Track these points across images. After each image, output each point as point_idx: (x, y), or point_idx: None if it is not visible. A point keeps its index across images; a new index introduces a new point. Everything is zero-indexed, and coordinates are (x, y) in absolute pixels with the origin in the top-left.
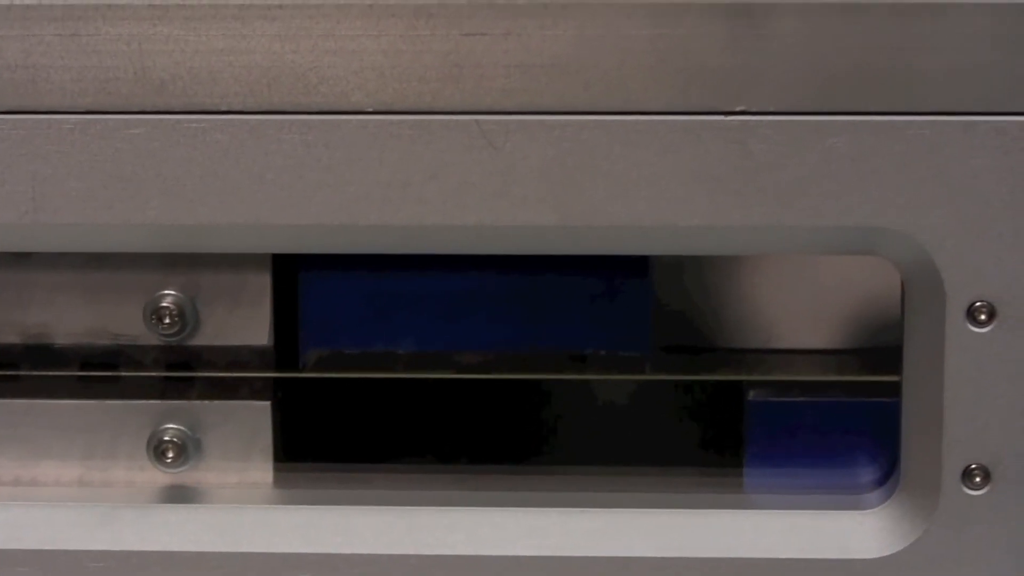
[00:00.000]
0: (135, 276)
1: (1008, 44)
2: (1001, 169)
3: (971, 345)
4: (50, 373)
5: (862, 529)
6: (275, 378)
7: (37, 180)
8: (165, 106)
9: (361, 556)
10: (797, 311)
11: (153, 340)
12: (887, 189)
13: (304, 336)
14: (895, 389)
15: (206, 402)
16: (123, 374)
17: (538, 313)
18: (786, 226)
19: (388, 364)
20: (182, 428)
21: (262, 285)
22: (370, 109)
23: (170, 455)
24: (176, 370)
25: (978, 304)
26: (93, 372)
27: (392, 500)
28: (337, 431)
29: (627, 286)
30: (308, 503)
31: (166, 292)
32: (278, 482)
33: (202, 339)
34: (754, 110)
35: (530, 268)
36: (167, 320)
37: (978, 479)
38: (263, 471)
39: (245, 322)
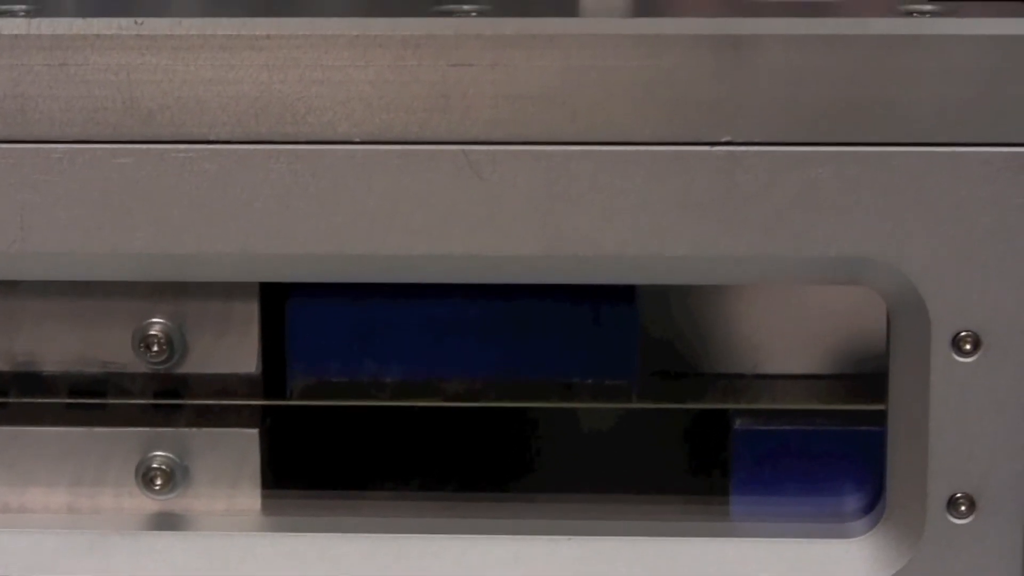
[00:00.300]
0: (123, 304)
1: (993, 75)
2: (986, 199)
3: (956, 375)
4: (38, 400)
5: (848, 557)
6: (263, 406)
7: (25, 209)
8: (153, 136)
9: None
10: (783, 339)
11: (141, 368)
12: (872, 219)
13: (292, 364)
14: (880, 418)
15: (194, 430)
16: (111, 401)
17: (525, 342)
18: (772, 256)
19: (375, 392)
20: (170, 455)
21: (250, 313)
22: (358, 139)
23: (158, 482)
24: (164, 398)
25: (963, 334)
26: (81, 399)
27: (379, 527)
28: (325, 458)
29: (613, 314)
30: (296, 530)
31: (154, 320)
32: (266, 509)
33: (190, 367)
34: (740, 140)
35: (517, 297)
36: (155, 348)
37: (963, 508)
38: (251, 498)
39: (233, 350)
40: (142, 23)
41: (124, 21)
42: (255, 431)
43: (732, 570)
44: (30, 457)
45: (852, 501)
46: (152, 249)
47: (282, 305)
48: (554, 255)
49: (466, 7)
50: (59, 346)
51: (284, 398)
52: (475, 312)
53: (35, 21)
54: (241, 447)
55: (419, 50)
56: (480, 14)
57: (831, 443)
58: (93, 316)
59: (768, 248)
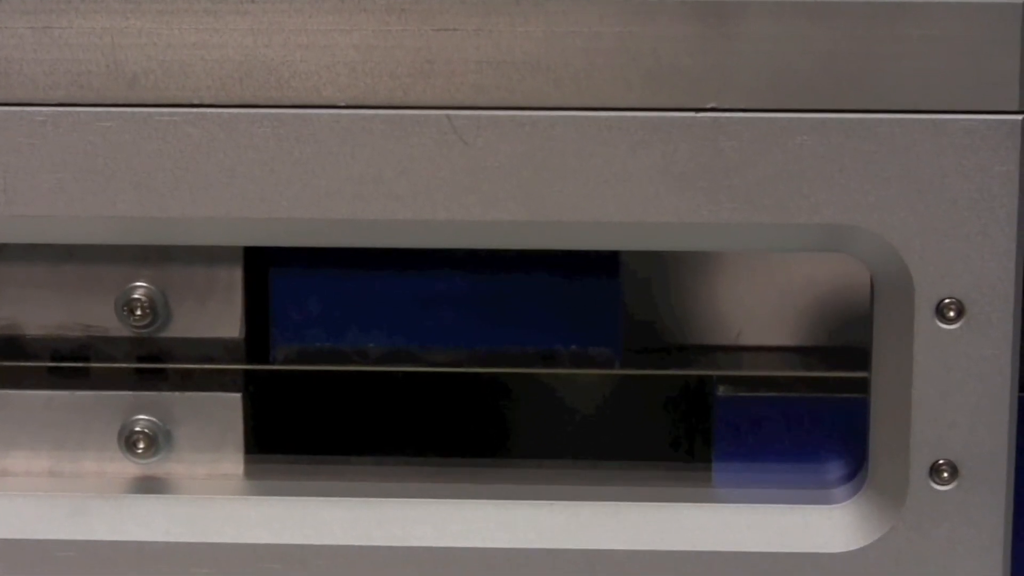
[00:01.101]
0: (107, 268)
1: (977, 43)
2: (970, 167)
3: (940, 342)
4: (21, 364)
5: (830, 523)
6: (246, 370)
7: (8, 172)
8: (137, 99)
9: (331, 548)
10: (768, 308)
11: (124, 332)
12: (857, 187)
13: (275, 330)
14: (863, 385)
15: (177, 394)
16: (94, 365)
17: (508, 310)
18: (756, 223)
19: (358, 358)
20: (153, 419)
21: (233, 278)
22: (342, 104)
23: (141, 446)
24: (147, 362)
25: (947, 301)
26: (64, 363)
27: (362, 492)
28: (308, 424)
29: (597, 283)
30: (278, 495)
31: (138, 284)
32: (249, 474)
33: (173, 331)
34: (724, 107)
35: (501, 265)
36: (138, 312)
37: (946, 475)
38: (234, 463)
39: (216, 315)
40: None
41: None
42: (238, 396)
43: (714, 536)
44: (12, 421)
45: (835, 468)
46: (136, 212)
47: (266, 270)
48: (537, 220)
49: None
50: (42, 310)
51: (267, 363)
52: (459, 280)
53: None
54: (224, 412)
55: (404, 15)
56: None
57: (814, 410)
58: (76, 280)
59: (752, 215)
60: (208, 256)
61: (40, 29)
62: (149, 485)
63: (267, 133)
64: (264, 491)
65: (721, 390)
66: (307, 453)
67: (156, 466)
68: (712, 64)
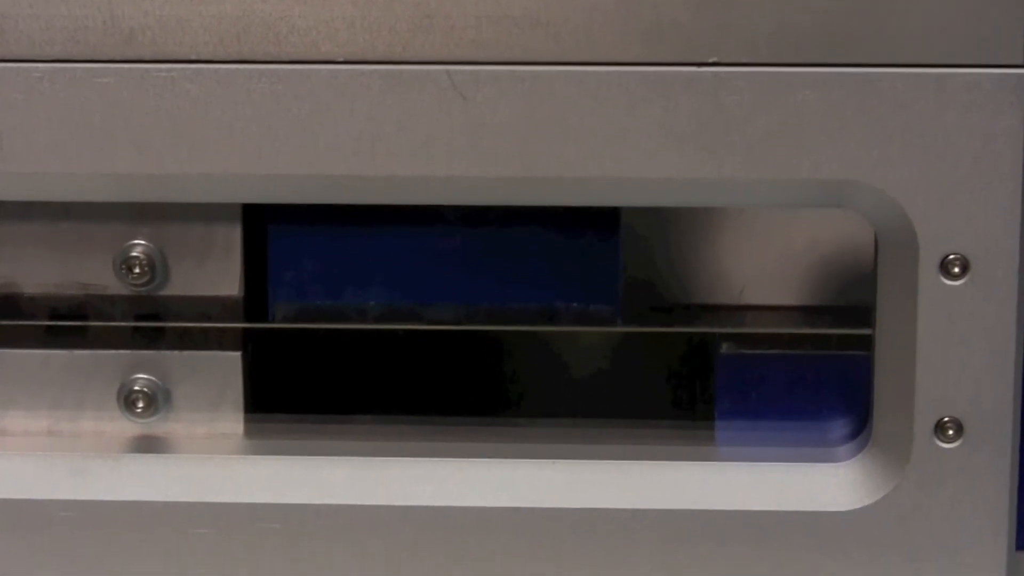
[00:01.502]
0: (105, 226)
1: None
2: (974, 122)
3: (944, 298)
4: (19, 323)
5: (834, 482)
6: (245, 329)
7: (5, 129)
8: (134, 55)
9: (330, 507)
10: (771, 266)
11: (123, 290)
12: (860, 142)
13: (274, 287)
14: (867, 342)
15: (176, 352)
16: (93, 324)
17: (509, 268)
18: (757, 179)
19: (358, 316)
20: (152, 378)
21: (232, 236)
22: (340, 59)
23: (140, 405)
24: (146, 321)
25: (951, 257)
26: (62, 322)
27: (362, 451)
28: (308, 382)
29: (597, 240)
30: (278, 454)
31: (136, 242)
32: (248, 433)
33: (172, 289)
34: (725, 62)
35: (501, 222)
36: (137, 270)
37: (950, 432)
38: (233, 422)
39: (215, 273)
40: None
41: None
42: (237, 354)
43: (717, 495)
44: (11, 380)
45: (838, 426)
46: (133, 169)
47: (265, 227)
48: (537, 177)
49: None
50: (40, 268)
51: (266, 321)
52: (458, 238)
53: None
54: (223, 370)
55: None
56: None
57: (817, 368)
58: (74, 238)
59: (754, 171)
60: (207, 213)
61: None
62: (148, 444)
63: (265, 89)
64: (264, 450)
65: (724, 348)
66: (307, 412)
67: (155, 425)
68: (713, 18)
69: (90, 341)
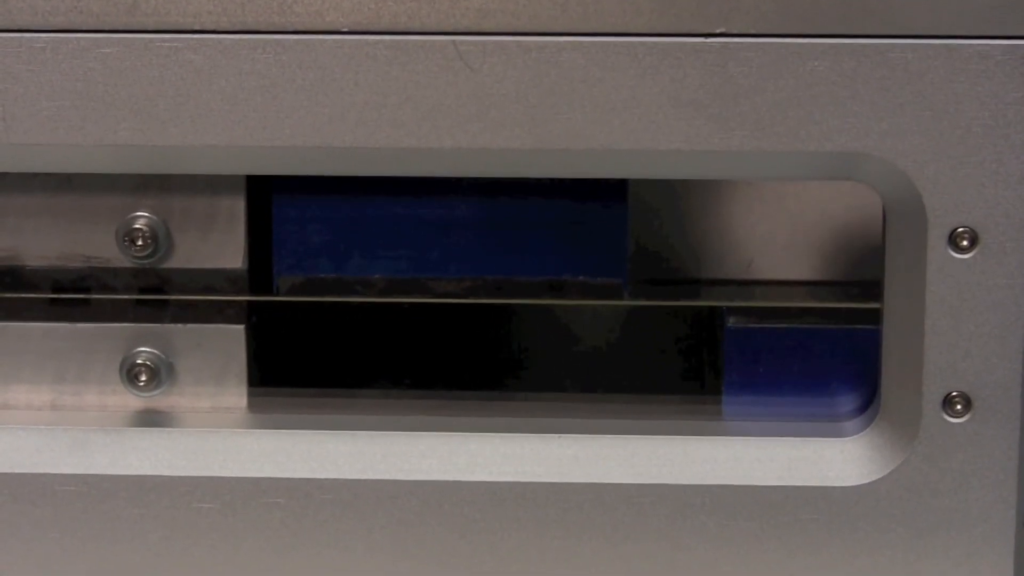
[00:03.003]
0: (107, 198)
1: None
2: (984, 93)
3: (953, 272)
4: (21, 296)
5: (842, 456)
6: (249, 302)
7: (7, 99)
8: (138, 25)
9: (335, 481)
10: (780, 238)
11: (126, 263)
12: (869, 113)
13: (278, 260)
14: (875, 316)
15: (179, 326)
16: (95, 297)
17: (515, 239)
18: (766, 151)
19: (363, 289)
20: (155, 352)
21: (236, 208)
22: (345, 29)
23: (143, 379)
24: (149, 293)
25: (960, 230)
26: (65, 295)
27: (366, 425)
28: (312, 356)
29: (604, 212)
30: (282, 428)
31: (139, 214)
32: (252, 407)
33: (175, 262)
34: (734, 32)
35: (507, 194)
36: (140, 243)
37: (959, 407)
38: (237, 395)
39: (219, 245)
40: None
41: None
42: (241, 327)
43: (724, 470)
44: (13, 353)
45: (846, 400)
46: (136, 141)
47: (269, 199)
48: (544, 148)
49: None
50: (42, 240)
51: (271, 294)
52: (464, 209)
53: None
54: (227, 343)
55: None
56: None
57: (825, 342)
58: (77, 210)
59: (762, 142)
60: (210, 185)
61: None
62: (151, 418)
63: (269, 59)
64: (267, 424)
65: (731, 321)
66: (311, 386)
67: (158, 399)
68: None
69: (93, 314)
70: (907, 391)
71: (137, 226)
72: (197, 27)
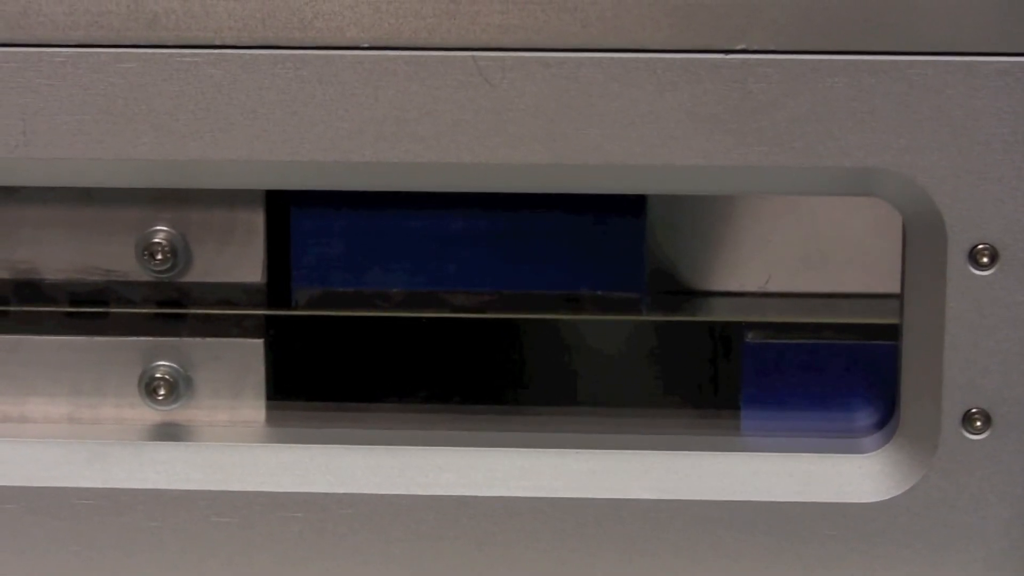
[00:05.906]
0: (127, 212)
1: None
2: (1003, 110)
3: (973, 288)
4: (40, 309)
5: (860, 473)
6: (268, 316)
7: (28, 113)
8: (158, 40)
9: (353, 496)
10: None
11: (145, 277)
12: (888, 130)
13: (296, 274)
14: (894, 332)
15: (198, 339)
16: (114, 310)
17: (532, 253)
18: (785, 166)
19: (381, 303)
20: (173, 365)
21: (255, 222)
22: (365, 44)
23: (161, 392)
24: (168, 307)
25: (980, 247)
26: (84, 308)
27: (384, 440)
28: (330, 369)
29: (622, 226)
30: (300, 442)
31: (158, 228)
32: (270, 420)
33: (194, 276)
34: (753, 48)
35: (525, 208)
36: (159, 256)
37: (978, 423)
38: (255, 409)
39: (238, 259)
40: None
41: None
42: (260, 341)
43: (742, 485)
44: (32, 366)
45: (865, 416)
46: (156, 155)
47: (288, 214)
48: (563, 163)
49: None
50: (61, 254)
51: (289, 308)
52: (482, 223)
53: None
54: (245, 357)
55: None
56: None
57: (844, 357)
58: (96, 224)
59: (781, 158)
60: (230, 200)
61: None
62: (169, 432)
63: (289, 74)
64: (286, 438)
65: (750, 336)
66: (329, 399)
67: (176, 412)
68: (741, 4)
69: (111, 327)
70: (926, 407)
71: (156, 240)
72: (217, 42)
